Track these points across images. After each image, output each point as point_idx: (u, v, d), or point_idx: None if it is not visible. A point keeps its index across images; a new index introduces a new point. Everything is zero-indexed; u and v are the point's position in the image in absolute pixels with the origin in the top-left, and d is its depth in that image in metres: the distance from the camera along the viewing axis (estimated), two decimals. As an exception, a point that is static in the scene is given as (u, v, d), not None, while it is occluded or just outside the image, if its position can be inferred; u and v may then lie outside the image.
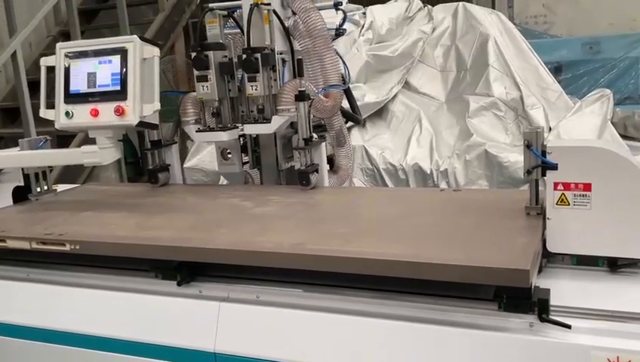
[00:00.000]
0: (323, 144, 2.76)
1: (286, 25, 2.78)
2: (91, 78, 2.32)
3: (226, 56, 2.73)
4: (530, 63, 4.51)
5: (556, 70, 5.97)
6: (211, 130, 2.76)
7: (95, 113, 2.30)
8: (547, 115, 4.09)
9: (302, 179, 2.56)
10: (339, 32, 3.29)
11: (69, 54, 2.37)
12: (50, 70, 2.43)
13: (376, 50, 4.68)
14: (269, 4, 2.68)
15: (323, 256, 1.72)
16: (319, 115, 2.82)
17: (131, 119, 2.27)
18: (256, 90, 2.62)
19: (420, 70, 4.71)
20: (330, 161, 3.12)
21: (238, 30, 2.89)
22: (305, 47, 2.79)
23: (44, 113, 2.45)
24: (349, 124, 3.65)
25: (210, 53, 2.65)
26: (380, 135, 4.45)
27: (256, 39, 2.65)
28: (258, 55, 2.59)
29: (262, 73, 2.60)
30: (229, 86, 2.76)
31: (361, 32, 4.85)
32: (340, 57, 2.94)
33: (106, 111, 2.29)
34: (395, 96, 4.58)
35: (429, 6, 5.05)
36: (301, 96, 2.58)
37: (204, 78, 2.66)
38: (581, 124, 3.99)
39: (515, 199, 2.05)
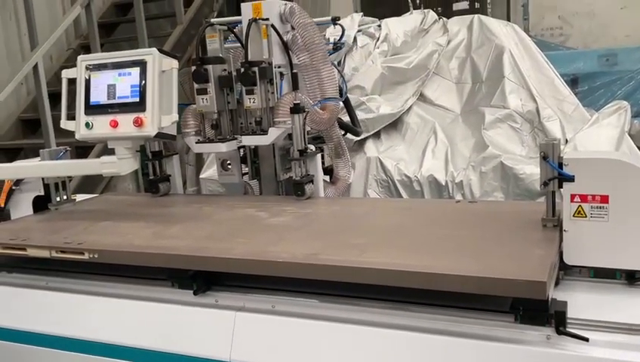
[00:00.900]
0: (318, 155, 2.80)
1: (285, 39, 2.82)
2: (111, 89, 2.37)
3: (225, 70, 2.78)
4: (546, 75, 4.48)
5: (572, 82, 5.91)
6: (211, 141, 2.80)
7: (114, 124, 2.35)
8: (563, 127, 4.06)
9: (296, 189, 2.60)
10: (337, 47, 3.33)
11: (90, 66, 2.41)
12: (71, 82, 2.48)
13: (392, 62, 4.69)
14: (267, 20, 2.73)
15: (338, 266, 1.72)
16: (316, 126, 2.85)
17: (150, 130, 2.31)
18: (253, 102, 2.67)
19: (436, 82, 4.71)
20: (329, 171, 3.15)
21: (239, 44, 2.94)
22: (303, 60, 2.84)
23: (65, 124, 2.50)
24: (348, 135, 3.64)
25: (210, 67, 2.70)
26: (394, 146, 4.45)
27: (255, 53, 2.70)
28: (256, 69, 2.64)
29: (259, 86, 2.65)
30: (228, 98, 2.80)
31: (376, 44, 4.86)
32: (339, 71, 2.96)
33: (125, 123, 2.33)
34: (410, 107, 4.57)
35: (444, 18, 5.05)
36: (296, 109, 2.62)
37: (203, 91, 2.72)
38: (598, 136, 3.94)
39: (532, 211, 2.04)
